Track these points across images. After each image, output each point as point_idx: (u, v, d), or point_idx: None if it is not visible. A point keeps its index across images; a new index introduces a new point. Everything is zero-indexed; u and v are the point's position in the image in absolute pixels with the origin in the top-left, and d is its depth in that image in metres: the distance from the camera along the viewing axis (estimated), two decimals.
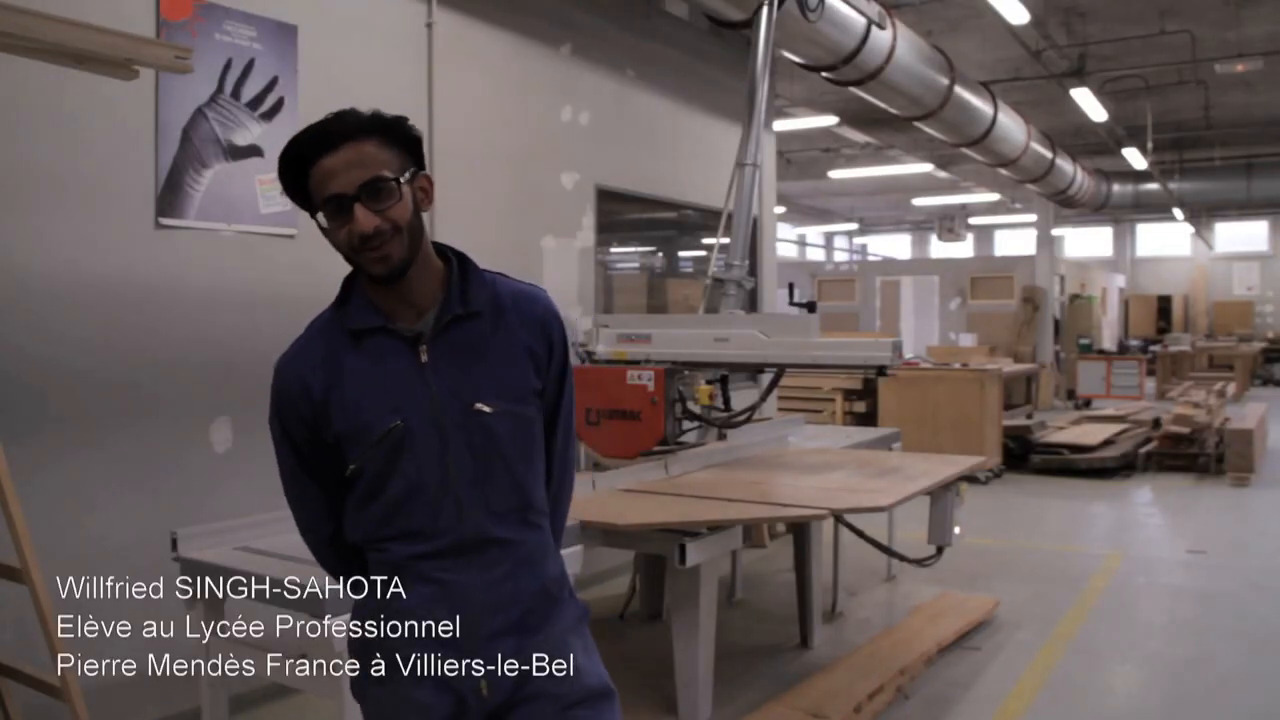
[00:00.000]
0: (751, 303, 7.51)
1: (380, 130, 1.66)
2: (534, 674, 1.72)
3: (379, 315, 1.70)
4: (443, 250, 1.77)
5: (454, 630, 1.69)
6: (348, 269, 1.67)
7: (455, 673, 1.69)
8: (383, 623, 1.72)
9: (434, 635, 1.69)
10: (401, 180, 1.65)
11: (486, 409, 1.70)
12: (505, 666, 1.70)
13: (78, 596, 3.55)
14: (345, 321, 1.71)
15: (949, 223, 24.72)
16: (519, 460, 1.75)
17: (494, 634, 1.70)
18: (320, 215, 1.64)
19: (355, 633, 1.77)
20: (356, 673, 1.79)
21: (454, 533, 1.69)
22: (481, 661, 1.69)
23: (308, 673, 2.83)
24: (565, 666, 1.76)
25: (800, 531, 4.82)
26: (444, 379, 1.69)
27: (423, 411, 1.68)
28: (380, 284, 1.68)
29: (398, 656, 1.71)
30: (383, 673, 1.72)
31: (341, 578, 1.86)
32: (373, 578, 1.74)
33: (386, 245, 1.63)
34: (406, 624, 1.70)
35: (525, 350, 1.76)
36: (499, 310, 1.75)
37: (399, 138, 1.68)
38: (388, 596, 1.71)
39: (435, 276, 1.73)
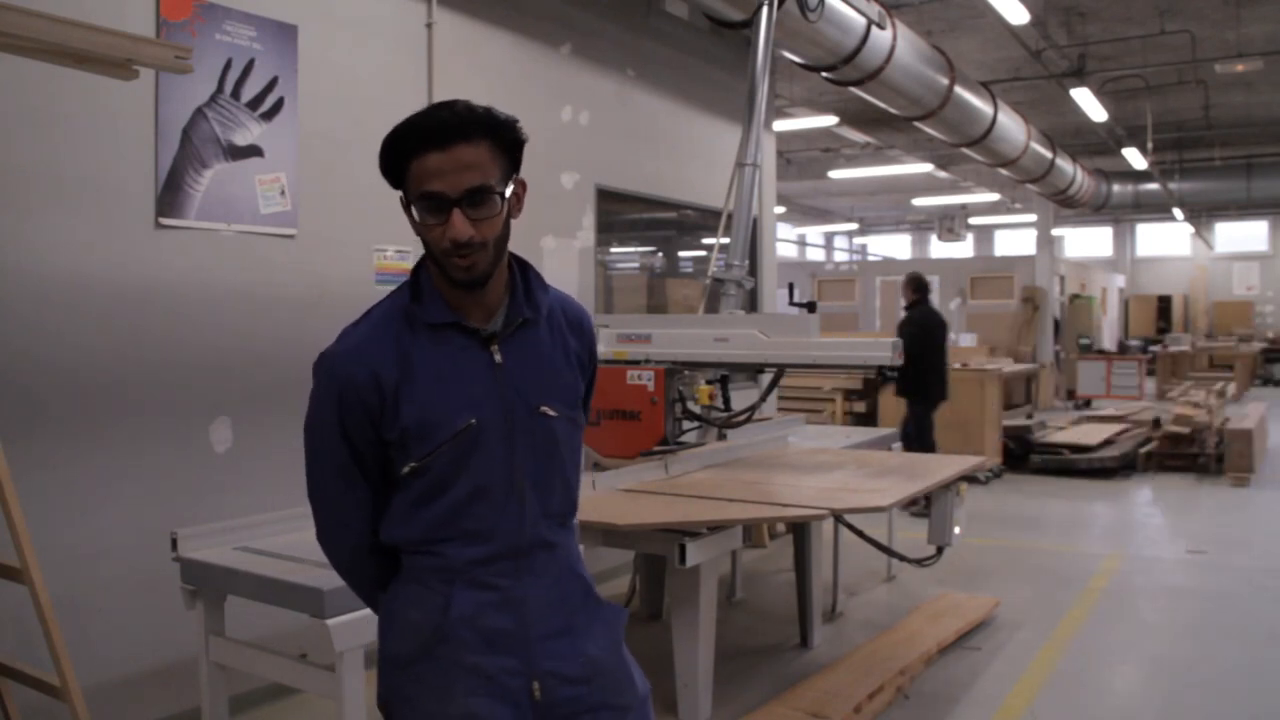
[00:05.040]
0: (751, 303, 7.51)
1: (492, 133, 1.60)
2: (593, 681, 1.72)
3: (451, 311, 1.68)
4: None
5: (510, 632, 1.67)
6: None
7: (510, 677, 1.66)
8: (438, 631, 1.67)
9: (491, 641, 1.66)
10: (505, 193, 1.62)
11: (551, 412, 1.72)
12: (560, 667, 1.69)
13: (78, 596, 3.57)
14: (420, 314, 1.67)
15: (949, 223, 24.69)
16: (571, 465, 1.78)
17: (547, 635, 1.69)
18: (413, 204, 1.60)
19: (397, 641, 1.71)
20: (391, 683, 1.72)
21: (515, 536, 1.68)
22: (536, 663, 1.68)
23: (308, 673, 2.83)
24: (624, 674, 1.79)
25: (800, 531, 4.82)
26: (515, 380, 1.69)
27: (495, 411, 1.67)
28: (459, 288, 1.65)
29: (453, 665, 1.66)
30: (431, 682, 1.67)
31: (363, 581, 1.82)
32: (421, 581, 1.69)
33: (475, 255, 1.60)
34: (464, 631, 1.66)
35: (575, 357, 1.80)
36: (553, 317, 1.78)
37: (508, 141, 1.63)
38: (443, 601, 1.67)
39: (503, 278, 1.71)
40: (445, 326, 1.67)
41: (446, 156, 1.56)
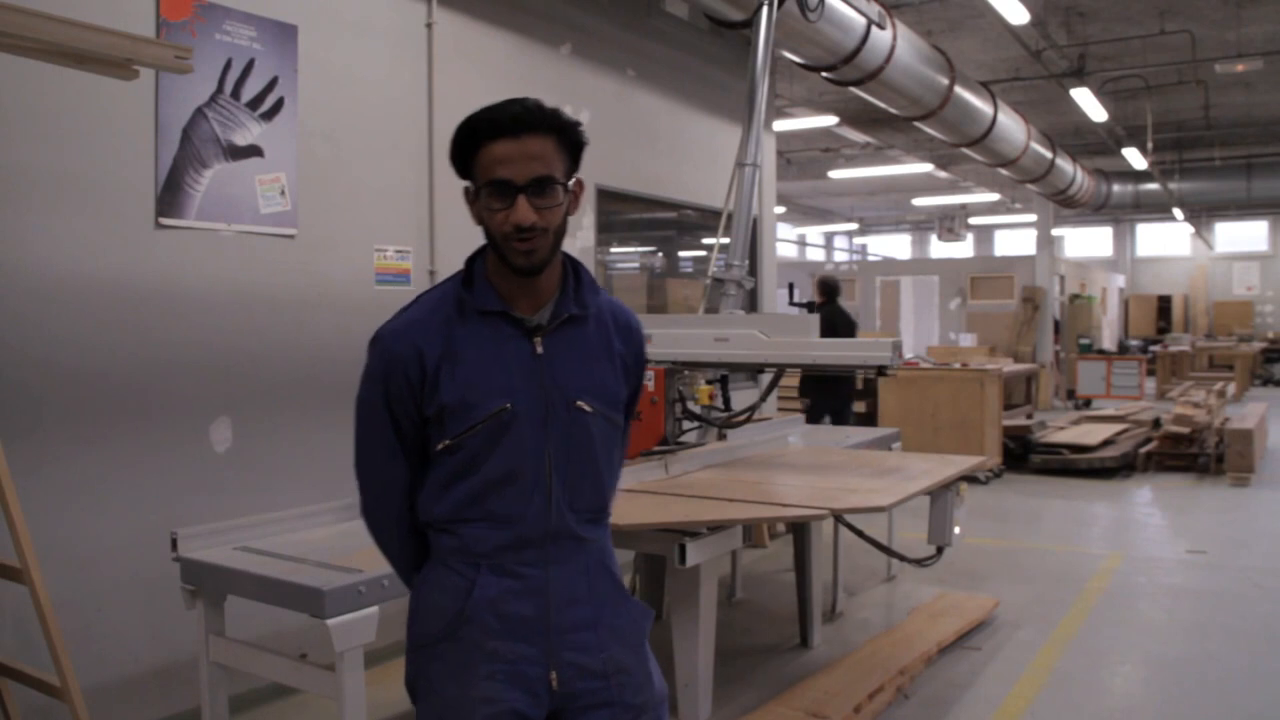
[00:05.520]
0: (751, 303, 7.51)
1: (558, 130, 1.71)
2: (612, 678, 1.77)
3: (501, 300, 1.75)
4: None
5: (532, 620, 1.72)
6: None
7: (530, 665, 1.72)
8: (460, 613, 1.73)
9: (512, 628, 1.72)
10: (567, 186, 1.72)
11: (587, 408, 1.77)
12: (580, 659, 1.74)
13: (78, 596, 3.58)
14: (470, 300, 1.75)
15: (949, 223, 24.72)
16: (604, 463, 1.82)
17: (570, 627, 1.74)
18: (480, 191, 1.69)
19: (423, 623, 1.78)
20: (417, 664, 1.79)
21: (539, 524, 1.73)
22: (556, 653, 1.73)
23: (308, 673, 2.83)
24: (644, 674, 1.83)
25: (800, 531, 4.82)
26: (555, 372, 1.75)
27: (531, 400, 1.73)
28: (517, 274, 1.72)
29: (473, 647, 1.72)
30: (452, 664, 1.74)
31: (399, 557, 1.88)
32: (447, 564, 1.75)
33: (536, 240, 1.68)
34: (485, 615, 1.72)
35: (620, 360, 1.84)
36: (601, 318, 1.83)
37: (570, 142, 1.73)
38: (467, 585, 1.73)
39: (555, 274, 1.78)
40: (493, 314, 1.74)
41: (516, 146, 1.66)
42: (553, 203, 1.68)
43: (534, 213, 1.66)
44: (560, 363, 1.75)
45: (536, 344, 1.74)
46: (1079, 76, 11.22)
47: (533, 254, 1.69)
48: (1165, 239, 27.89)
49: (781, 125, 11.49)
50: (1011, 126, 10.75)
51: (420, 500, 1.79)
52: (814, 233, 31.76)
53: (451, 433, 1.72)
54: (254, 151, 4.11)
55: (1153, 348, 20.76)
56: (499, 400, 1.71)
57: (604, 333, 1.82)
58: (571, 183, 1.73)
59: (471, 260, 1.80)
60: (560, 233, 1.72)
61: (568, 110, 1.79)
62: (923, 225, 29.67)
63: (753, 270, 6.57)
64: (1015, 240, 28.70)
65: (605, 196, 6.23)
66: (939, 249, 29.34)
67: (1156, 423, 11.27)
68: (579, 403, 1.76)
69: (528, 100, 1.71)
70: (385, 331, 1.78)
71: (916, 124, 9.23)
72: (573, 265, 1.82)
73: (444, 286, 1.80)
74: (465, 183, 1.74)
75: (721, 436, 4.90)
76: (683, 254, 8.08)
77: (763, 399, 4.79)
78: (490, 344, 1.73)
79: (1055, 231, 18.42)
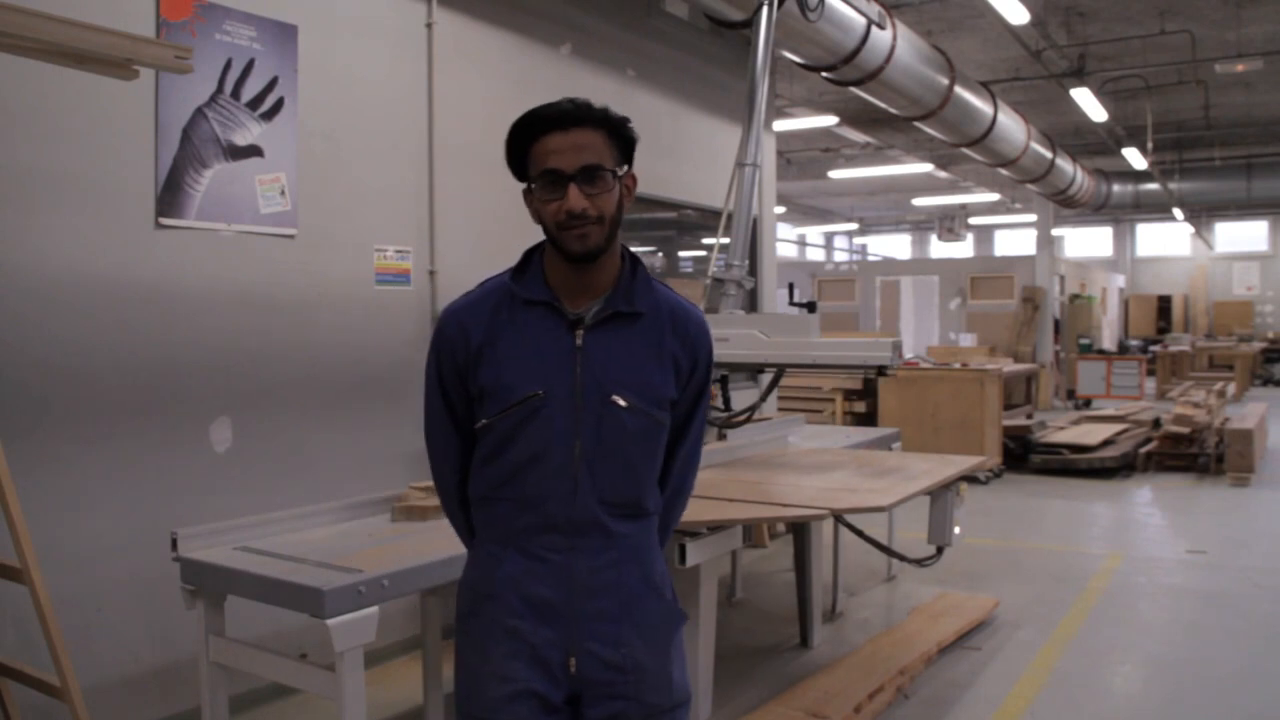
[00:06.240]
0: (751, 303, 7.51)
1: (607, 126, 1.79)
2: (630, 674, 1.79)
3: (549, 292, 1.81)
4: (621, 250, 1.87)
5: (554, 604, 1.77)
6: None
7: (549, 648, 1.76)
8: (486, 591, 1.80)
9: (534, 608, 1.77)
10: (616, 173, 1.78)
11: (622, 403, 1.79)
12: (600, 649, 1.77)
13: (78, 596, 3.58)
14: (517, 289, 1.82)
15: (949, 223, 24.72)
16: (639, 459, 1.84)
17: (594, 616, 1.78)
18: (534, 185, 1.77)
19: (458, 599, 1.88)
20: (455, 636, 1.89)
21: (563, 509, 1.78)
22: (576, 639, 1.77)
23: (308, 673, 2.83)
24: (664, 676, 1.84)
25: (800, 531, 4.82)
26: (592, 366, 1.78)
27: (564, 390, 1.77)
28: (571, 261, 1.77)
29: (493, 624, 1.78)
30: (476, 639, 1.82)
31: (459, 526, 1.98)
32: (484, 542, 1.85)
33: (588, 227, 1.74)
34: (508, 593, 1.78)
35: (671, 359, 1.86)
36: (657, 317, 1.85)
37: (620, 138, 1.80)
38: (495, 563, 1.80)
39: (611, 270, 1.83)
40: (538, 304, 1.81)
41: (566, 138, 1.75)
42: (603, 190, 1.74)
43: (584, 199, 1.72)
44: (600, 357, 1.78)
45: (577, 336, 1.78)
46: (1079, 76, 11.22)
47: (586, 239, 1.74)
48: (1165, 239, 27.90)
49: (781, 125, 11.49)
50: (1011, 126, 10.75)
51: (470, 476, 1.88)
52: (814, 233, 31.76)
53: (488, 413, 1.80)
54: (254, 151, 4.11)
55: (1153, 348, 20.76)
56: (532, 386, 1.77)
57: (657, 331, 1.84)
58: (623, 173, 1.79)
59: (529, 253, 1.87)
60: (615, 222, 1.78)
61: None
62: (923, 225, 29.67)
63: (753, 270, 6.56)
64: (1015, 240, 28.71)
65: None
66: (939, 249, 29.34)
67: (1156, 423, 11.27)
68: (614, 397, 1.78)
69: (577, 98, 1.78)
70: (445, 311, 1.89)
71: (916, 124, 9.23)
72: (632, 263, 1.85)
73: (501, 276, 1.88)
74: (522, 184, 1.80)
75: (721, 436, 4.90)
76: (683, 254, 8.08)
77: (763, 399, 4.79)
78: (531, 332, 1.79)
79: (1055, 231, 18.41)
